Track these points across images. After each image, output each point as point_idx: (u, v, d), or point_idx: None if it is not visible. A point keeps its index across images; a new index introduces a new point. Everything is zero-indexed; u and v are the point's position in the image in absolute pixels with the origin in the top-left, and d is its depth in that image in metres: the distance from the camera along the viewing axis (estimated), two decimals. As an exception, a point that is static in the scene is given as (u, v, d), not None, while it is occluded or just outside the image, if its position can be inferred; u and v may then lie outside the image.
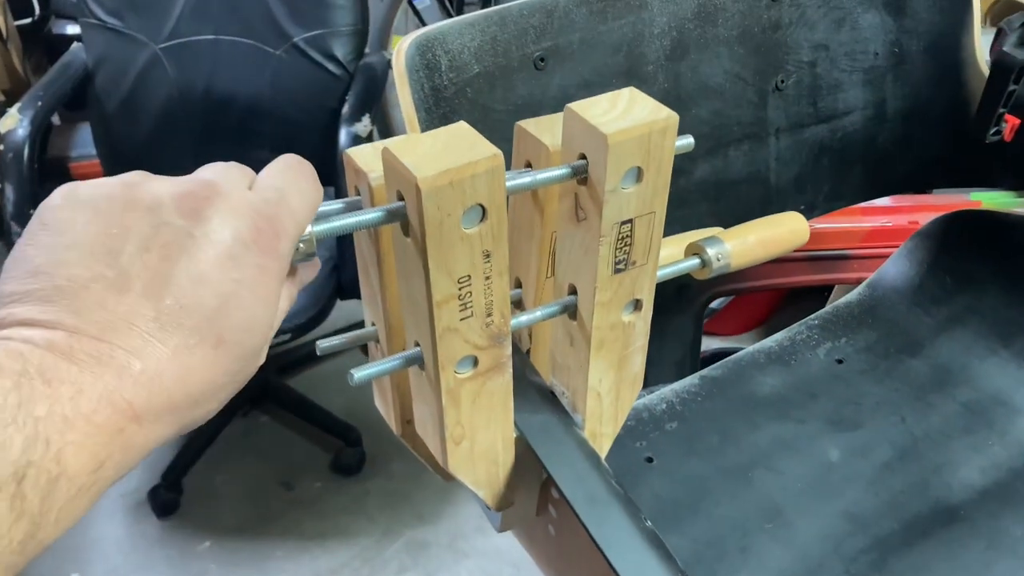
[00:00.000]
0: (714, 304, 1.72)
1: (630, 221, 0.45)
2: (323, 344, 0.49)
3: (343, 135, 1.47)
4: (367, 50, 1.67)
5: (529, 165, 0.50)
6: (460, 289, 0.41)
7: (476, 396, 0.46)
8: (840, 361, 0.88)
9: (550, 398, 0.53)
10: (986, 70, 0.79)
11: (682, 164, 0.81)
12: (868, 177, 0.90)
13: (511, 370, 0.47)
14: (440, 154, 0.38)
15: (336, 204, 0.44)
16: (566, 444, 0.50)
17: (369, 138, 1.48)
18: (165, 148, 1.71)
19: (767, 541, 0.72)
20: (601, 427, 0.54)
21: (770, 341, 0.91)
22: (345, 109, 1.52)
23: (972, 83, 0.82)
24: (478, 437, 0.49)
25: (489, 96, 0.68)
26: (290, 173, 0.37)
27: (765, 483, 0.77)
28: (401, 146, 0.39)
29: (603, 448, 0.55)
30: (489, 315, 0.43)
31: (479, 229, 0.40)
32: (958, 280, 0.90)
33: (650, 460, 0.78)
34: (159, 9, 1.62)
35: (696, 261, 0.56)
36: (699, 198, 0.83)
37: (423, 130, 0.63)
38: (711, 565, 0.70)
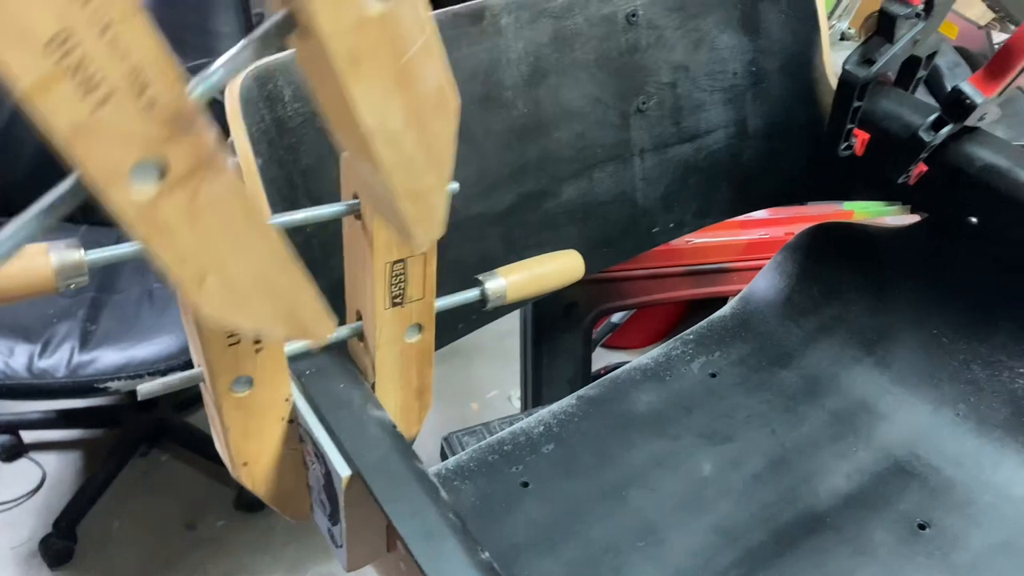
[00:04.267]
0: (615, 319, 1.73)
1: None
2: (143, 388, 0.47)
3: (230, 164, 1.44)
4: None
5: (356, 196, 0.50)
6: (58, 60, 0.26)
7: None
8: (714, 375, 0.89)
9: (391, 431, 0.52)
10: (835, 87, 0.81)
11: (548, 187, 0.81)
12: (735, 193, 0.92)
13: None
14: None
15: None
16: (403, 479, 0.49)
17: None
18: (49, 182, 1.64)
19: (640, 560, 0.72)
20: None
21: (646, 358, 0.92)
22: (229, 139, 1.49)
23: (824, 100, 0.84)
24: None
25: (340, 126, 0.67)
26: None
27: (639, 501, 0.77)
28: None
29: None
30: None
31: None
32: (825, 291, 0.93)
33: (526, 484, 0.78)
34: (35, 39, 1.57)
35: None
36: (567, 221, 0.83)
37: (265, 162, 0.61)
38: (583, 588, 0.70)
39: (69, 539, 1.59)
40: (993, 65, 0.72)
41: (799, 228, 0.98)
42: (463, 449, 0.82)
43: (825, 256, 0.93)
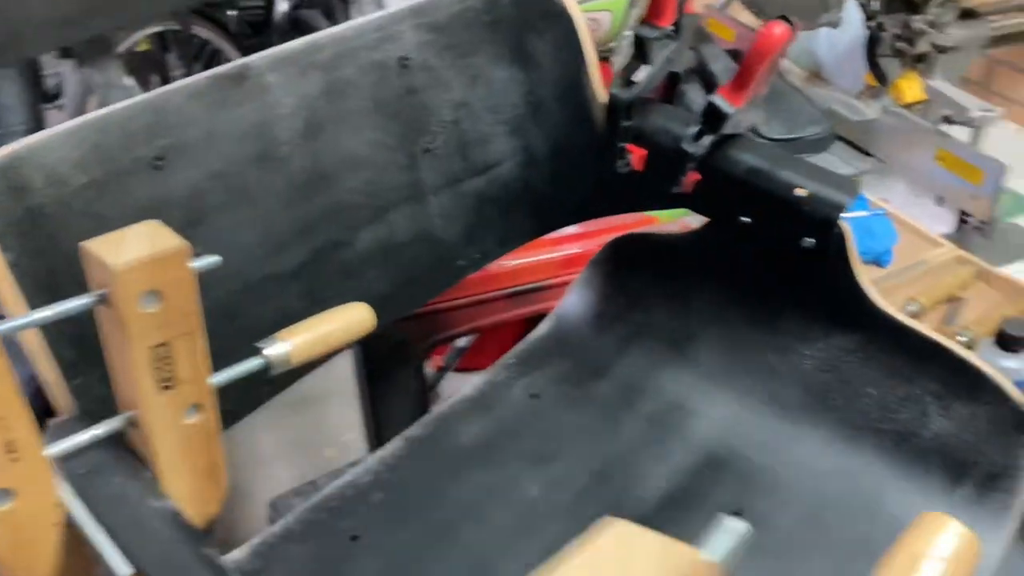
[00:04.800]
0: (462, 343, 1.74)
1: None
2: None
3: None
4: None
5: (101, 286, 0.48)
6: None
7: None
8: (536, 396, 0.91)
9: (174, 520, 0.50)
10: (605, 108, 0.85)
11: (343, 237, 0.81)
12: (532, 217, 0.94)
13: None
14: None
15: None
16: (189, 570, 0.47)
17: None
18: None
19: (476, 596, 0.73)
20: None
21: (469, 388, 0.93)
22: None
23: (599, 120, 0.88)
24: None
25: (103, 204, 0.65)
26: None
27: (471, 537, 0.78)
28: None
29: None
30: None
31: None
32: (631, 300, 0.97)
33: (355, 538, 0.77)
34: None
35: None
36: (367, 266, 0.83)
37: (17, 256, 0.58)
38: (419, 635, 0.70)
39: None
40: (738, 77, 0.77)
41: (609, 239, 1.02)
42: (290, 511, 0.80)
43: (627, 266, 0.97)
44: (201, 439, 0.55)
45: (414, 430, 0.88)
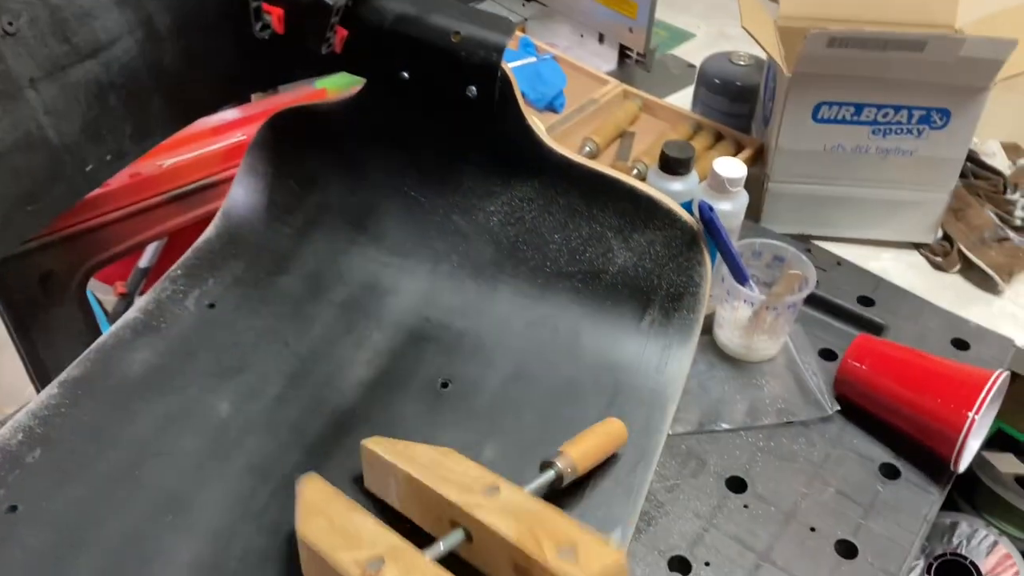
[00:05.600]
0: (143, 264, 1.56)
1: None
2: None
3: None
4: None
5: None
6: None
7: None
8: (212, 305, 0.81)
9: None
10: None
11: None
12: (172, 104, 0.81)
13: None
14: None
15: None
16: None
17: None
18: None
19: (171, 536, 0.64)
20: None
21: (134, 311, 0.81)
22: None
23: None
24: None
25: None
26: None
27: (156, 474, 0.68)
28: None
29: None
30: None
31: None
32: (303, 181, 0.88)
33: (14, 509, 0.65)
34: None
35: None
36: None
37: None
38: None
39: None
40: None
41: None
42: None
43: (292, 145, 0.88)
44: None
45: (70, 371, 0.75)
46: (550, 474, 0.64)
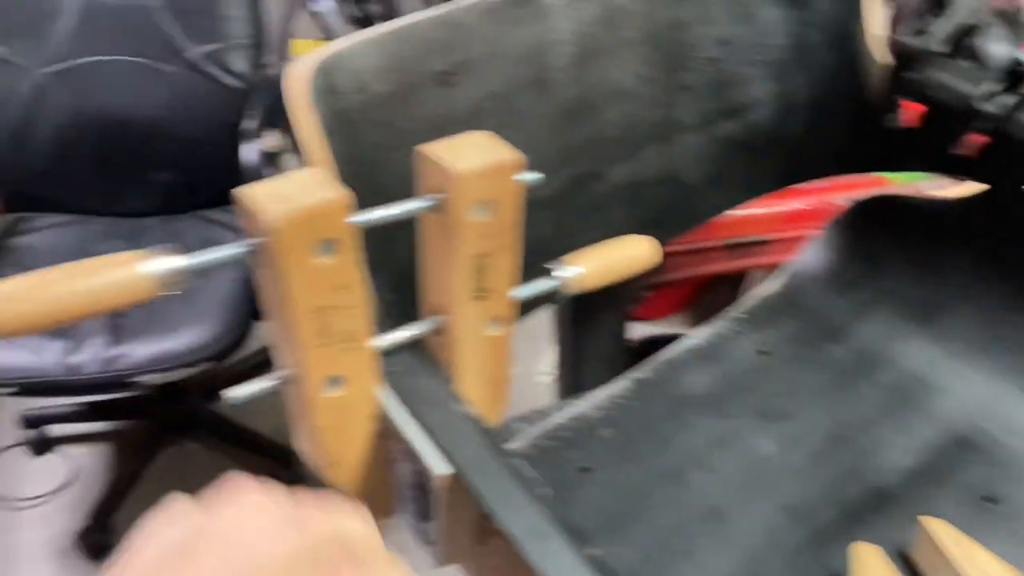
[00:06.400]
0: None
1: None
2: (230, 396, 0.47)
3: (246, 151, 1.42)
4: (267, 61, 1.62)
5: (440, 190, 0.49)
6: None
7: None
8: (766, 352, 0.89)
9: (479, 428, 0.51)
10: (882, 58, 0.80)
11: (598, 168, 0.80)
12: (780, 167, 0.91)
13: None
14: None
15: (237, 249, 0.43)
16: (501, 476, 0.48)
17: (278, 154, 1.44)
18: (65, 175, 1.63)
19: (709, 542, 0.72)
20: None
21: (696, 338, 0.91)
22: (247, 124, 1.47)
23: (869, 71, 0.83)
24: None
25: (397, 115, 0.66)
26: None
27: (702, 483, 0.77)
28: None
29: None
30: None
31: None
32: (874, 264, 0.92)
33: (586, 470, 0.78)
34: (39, 34, 1.55)
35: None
36: (614, 203, 0.82)
37: (334, 155, 0.60)
38: (657, 573, 0.70)
39: (105, 532, 1.59)
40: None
41: (838, 197, 0.98)
42: (517, 435, 0.82)
43: (875, 229, 0.93)
44: (498, 352, 0.56)
45: (642, 372, 0.87)
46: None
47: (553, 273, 0.60)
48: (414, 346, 0.56)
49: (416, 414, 0.50)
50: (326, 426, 0.50)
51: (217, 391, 1.62)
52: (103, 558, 1.57)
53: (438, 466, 0.48)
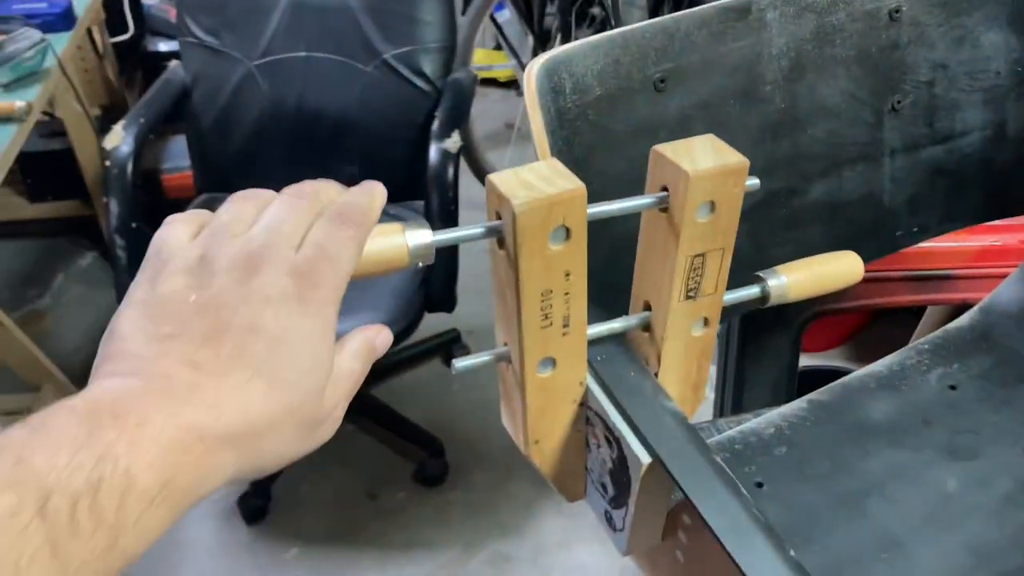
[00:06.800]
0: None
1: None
2: (458, 365, 0.50)
3: (433, 151, 1.49)
4: (453, 66, 1.69)
5: (665, 189, 0.50)
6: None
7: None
8: (953, 387, 0.86)
9: (683, 422, 0.52)
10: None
11: (797, 184, 0.80)
12: (985, 199, 0.87)
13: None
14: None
15: (478, 229, 0.46)
16: (704, 470, 0.49)
17: (459, 154, 1.50)
18: (257, 162, 1.75)
19: (885, 572, 0.70)
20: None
21: (878, 366, 0.89)
22: (435, 125, 1.54)
23: (1099, 103, 0.79)
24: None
25: (610, 118, 0.68)
26: (333, 226, 0.40)
27: (880, 512, 0.75)
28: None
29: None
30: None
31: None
32: (1080, 306, 0.87)
33: (760, 485, 0.77)
34: (254, 28, 1.67)
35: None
36: (812, 219, 0.82)
37: (553, 152, 0.63)
38: (829, 596, 0.69)
39: (264, 498, 1.69)
40: None
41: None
42: (691, 444, 0.82)
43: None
44: (700, 353, 0.57)
45: (818, 395, 0.86)
46: None
47: (768, 281, 0.60)
48: (618, 338, 0.58)
49: (622, 403, 0.52)
50: (533, 405, 0.52)
51: (375, 376, 1.70)
52: (259, 521, 1.68)
53: (641, 454, 0.50)
